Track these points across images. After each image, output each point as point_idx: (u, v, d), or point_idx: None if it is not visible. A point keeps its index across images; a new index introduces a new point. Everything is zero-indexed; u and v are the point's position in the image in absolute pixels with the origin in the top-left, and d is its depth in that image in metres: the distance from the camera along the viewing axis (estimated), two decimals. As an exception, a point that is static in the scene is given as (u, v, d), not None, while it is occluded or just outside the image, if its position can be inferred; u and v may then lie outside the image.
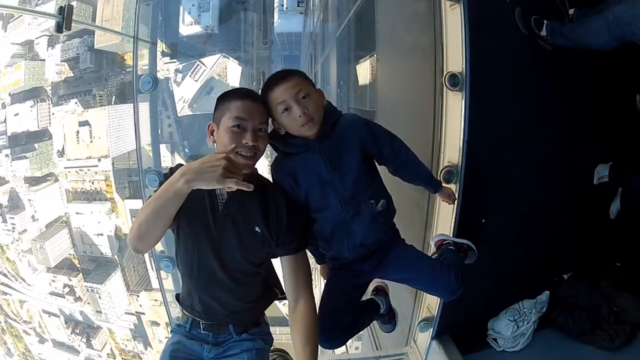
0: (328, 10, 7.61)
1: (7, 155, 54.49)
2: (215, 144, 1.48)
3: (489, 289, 2.21)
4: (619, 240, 2.39)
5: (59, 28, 4.29)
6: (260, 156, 1.48)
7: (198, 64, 37.88)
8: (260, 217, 1.49)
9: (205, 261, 1.51)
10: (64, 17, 4.25)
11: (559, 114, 2.06)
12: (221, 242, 1.49)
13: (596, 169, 2.30)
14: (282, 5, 35.69)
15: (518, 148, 2.01)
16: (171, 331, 1.77)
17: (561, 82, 2.03)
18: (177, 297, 1.76)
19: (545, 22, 1.94)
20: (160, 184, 1.37)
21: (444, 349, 2.14)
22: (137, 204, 48.86)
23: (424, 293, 2.23)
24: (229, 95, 1.46)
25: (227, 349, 1.63)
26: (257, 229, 1.49)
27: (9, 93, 54.27)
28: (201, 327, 1.63)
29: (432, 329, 2.20)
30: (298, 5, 34.34)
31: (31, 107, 53.34)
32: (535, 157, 2.07)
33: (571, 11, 2.04)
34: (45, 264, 53.89)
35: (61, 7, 4.21)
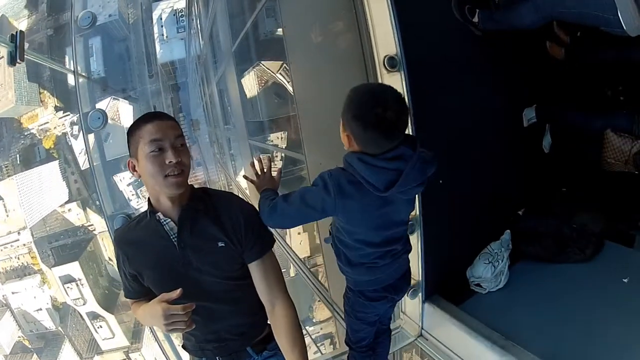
0: (218, 26, 7.31)
1: None
2: (140, 178, 1.39)
3: (458, 243, 2.33)
4: (558, 169, 2.65)
5: (12, 60, 3.52)
6: (189, 170, 1.40)
7: (91, 113, 35.48)
8: (218, 231, 1.42)
9: (191, 301, 1.38)
10: (16, 46, 3.47)
11: (488, 73, 2.32)
12: (193, 276, 1.42)
13: (523, 112, 2.54)
14: (162, 35, 34.17)
15: (456, 111, 2.18)
16: None
17: (486, 46, 2.27)
18: (184, 347, 1.67)
19: (477, 10, 2.16)
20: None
21: (438, 307, 2.20)
22: (65, 269, 45.71)
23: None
24: (137, 124, 1.37)
25: None
26: (220, 244, 1.42)
27: None
28: None
29: (421, 294, 2.26)
30: (177, 32, 33.22)
31: None
32: (472, 115, 2.26)
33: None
34: (2, 352, 49.03)
35: (12, 34, 3.43)
